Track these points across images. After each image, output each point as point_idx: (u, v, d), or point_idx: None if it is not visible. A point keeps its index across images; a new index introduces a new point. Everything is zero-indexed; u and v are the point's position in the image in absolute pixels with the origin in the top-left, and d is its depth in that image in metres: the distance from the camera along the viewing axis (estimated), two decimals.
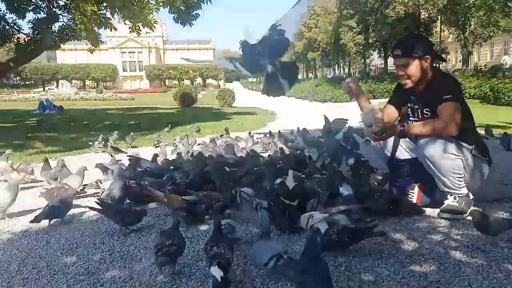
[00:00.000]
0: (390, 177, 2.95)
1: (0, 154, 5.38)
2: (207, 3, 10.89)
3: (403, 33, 20.33)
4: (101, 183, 3.44)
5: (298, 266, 1.62)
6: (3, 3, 11.15)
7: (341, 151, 4.08)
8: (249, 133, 6.35)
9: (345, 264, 1.95)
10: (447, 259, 1.98)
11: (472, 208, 2.54)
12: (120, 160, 4.79)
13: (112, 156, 4.96)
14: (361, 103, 2.90)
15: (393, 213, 2.60)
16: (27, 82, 59.93)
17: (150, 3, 10.22)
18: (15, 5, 11.19)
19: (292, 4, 2.27)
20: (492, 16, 19.97)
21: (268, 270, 1.82)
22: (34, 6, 11.73)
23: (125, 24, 10.65)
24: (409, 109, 2.82)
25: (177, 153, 4.58)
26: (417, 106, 2.74)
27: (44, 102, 18.78)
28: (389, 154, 2.90)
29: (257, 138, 6.00)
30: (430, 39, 19.49)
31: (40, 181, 3.94)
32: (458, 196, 2.56)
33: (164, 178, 3.39)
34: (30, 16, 11.81)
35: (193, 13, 11.08)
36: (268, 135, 6.15)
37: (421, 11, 24.84)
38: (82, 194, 3.43)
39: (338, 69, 54.35)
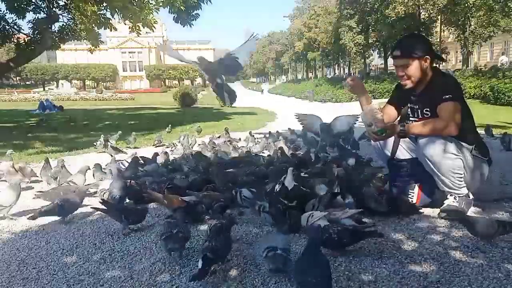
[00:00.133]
0: (390, 177, 2.95)
1: (2, 155, 5.40)
2: (207, 3, 10.89)
3: (403, 33, 20.34)
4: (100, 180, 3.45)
5: (299, 262, 1.65)
6: (3, 3, 11.16)
7: (340, 151, 4.10)
8: (250, 133, 6.36)
9: (345, 264, 1.95)
10: (447, 259, 1.98)
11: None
12: (121, 160, 4.79)
13: (112, 156, 4.96)
14: (362, 102, 2.90)
15: (393, 212, 2.61)
16: (27, 82, 59.98)
17: (150, 3, 10.23)
18: (15, 5, 11.20)
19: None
20: (492, 16, 19.95)
21: (263, 260, 1.86)
22: (34, 6, 11.74)
23: (125, 24, 10.67)
24: (409, 109, 2.82)
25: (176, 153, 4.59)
26: (417, 106, 2.74)
27: (44, 102, 18.78)
28: (389, 154, 2.90)
29: (257, 139, 6.00)
30: (429, 39, 19.56)
31: (40, 181, 3.94)
32: (458, 196, 2.57)
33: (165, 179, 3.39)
34: (30, 16, 11.84)
35: (193, 13, 11.08)
36: (267, 135, 6.16)
37: (421, 11, 24.81)
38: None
39: (338, 69, 54.36)
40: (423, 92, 2.68)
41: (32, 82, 60.42)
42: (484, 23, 20.67)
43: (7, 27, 11.92)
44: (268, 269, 1.86)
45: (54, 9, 12.02)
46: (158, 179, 3.43)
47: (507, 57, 23.71)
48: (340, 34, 32.85)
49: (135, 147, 6.12)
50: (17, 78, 59.18)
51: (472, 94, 14.95)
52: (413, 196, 2.75)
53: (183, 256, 2.06)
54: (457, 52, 33.07)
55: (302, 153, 4.51)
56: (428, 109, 2.65)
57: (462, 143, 2.53)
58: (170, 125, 8.18)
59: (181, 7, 10.04)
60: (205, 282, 1.83)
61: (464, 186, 2.57)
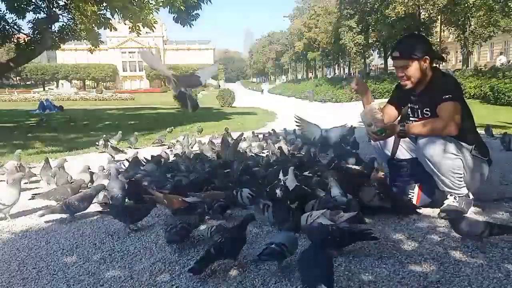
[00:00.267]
0: (390, 177, 2.95)
1: (1, 155, 5.40)
2: (207, 3, 10.89)
3: (403, 33, 20.33)
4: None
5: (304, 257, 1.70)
6: (3, 3, 11.16)
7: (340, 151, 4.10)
8: (253, 132, 6.36)
9: (345, 264, 1.95)
10: (447, 259, 1.98)
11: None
12: (121, 160, 4.79)
13: (112, 156, 4.96)
14: (364, 101, 2.90)
15: (392, 211, 2.61)
16: (27, 82, 59.94)
17: (150, 3, 10.22)
18: (15, 5, 11.20)
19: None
20: (492, 16, 19.92)
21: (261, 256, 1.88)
22: (34, 6, 11.74)
23: (125, 24, 10.66)
24: (409, 109, 2.82)
25: (175, 154, 4.59)
26: (417, 106, 2.74)
27: (44, 102, 18.80)
28: (389, 154, 2.90)
29: (259, 138, 5.99)
30: (429, 39, 19.55)
31: (38, 181, 3.95)
32: (458, 196, 2.57)
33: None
34: (30, 16, 11.84)
35: (193, 13, 11.08)
36: (267, 134, 6.15)
37: (421, 11, 24.80)
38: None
39: (338, 69, 54.33)
40: (423, 92, 2.67)
41: (32, 82, 60.38)
42: (484, 23, 20.64)
43: (7, 27, 11.92)
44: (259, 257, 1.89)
45: (54, 9, 12.03)
46: (157, 179, 3.43)
47: (505, 57, 23.66)
48: (340, 34, 32.83)
49: (135, 147, 6.12)
50: (17, 78, 59.13)
51: (472, 94, 14.94)
52: (413, 196, 2.76)
53: (182, 248, 2.12)
54: (457, 52, 33.05)
55: (301, 153, 4.51)
56: (428, 109, 2.65)
57: (462, 143, 2.53)
58: (172, 127, 8.16)
59: (181, 7, 10.04)
60: (205, 282, 1.83)
61: (464, 186, 2.57)
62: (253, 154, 4.71)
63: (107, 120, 12.58)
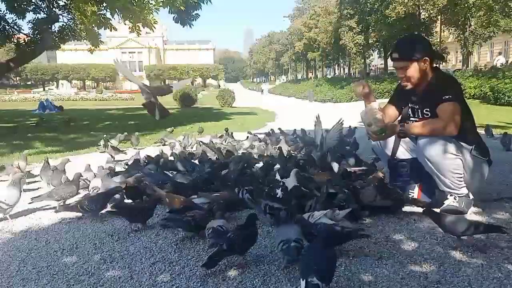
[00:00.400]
0: (390, 177, 2.95)
1: (1, 155, 5.40)
2: (207, 3, 10.88)
3: (403, 33, 20.33)
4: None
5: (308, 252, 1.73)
6: (3, 3, 11.17)
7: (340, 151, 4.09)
8: (250, 132, 6.35)
9: (345, 264, 1.95)
10: (447, 259, 1.98)
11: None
12: (123, 160, 4.80)
13: (112, 156, 4.96)
14: (365, 102, 2.89)
15: (393, 211, 2.62)
16: (27, 82, 59.93)
17: (150, 4, 10.21)
18: (15, 5, 11.20)
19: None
20: (492, 16, 19.92)
21: (279, 252, 1.90)
22: (34, 6, 11.75)
23: (125, 24, 10.65)
24: (409, 109, 2.82)
25: (173, 153, 4.59)
26: (417, 106, 2.74)
27: (44, 102, 18.80)
28: (389, 154, 2.90)
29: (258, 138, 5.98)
30: (429, 39, 19.54)
31: (36, 181, 3.95)
32: (458, 196, 2.57)
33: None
34: (30, 16, 11.84)
35: (193, 13, 11.07)
36: (265, 135, 6.14)
37: (421, 11, 24.81)
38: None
39: (338, 69, 54.33)
40: (424, 92, 2.67)
41: (32, 82, 60.38)
42: (484, 23, 20.63)
43: (7, 27, 11.93)
44: (285, 260, 1.90)
45: (54, 9, 12.04)
46: (157, 178, 3.43)
47: (504, 58, 23.67)
48: (340, 34, 32.87)
49: (135, 148, 6.12)
50: (17, 78, 59.14)
51: (472, 94, 14.93)
52: (413, 196, 2.76)
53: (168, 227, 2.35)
54: (457, 52, 33.03)
55: (300, 154, 4.50)
56: (428, 109, 2.65)
57: (462, 143, 2.53)
58: (172, 127, 8.16)
59: (181, 7, 10.03)
60: (205, 282, 1.83)
61: (464, 186, 2.57)
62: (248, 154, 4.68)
63: (107, 120, 12.58)
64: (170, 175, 3.61)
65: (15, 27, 12.01)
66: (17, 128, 9.86)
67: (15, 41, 12.39)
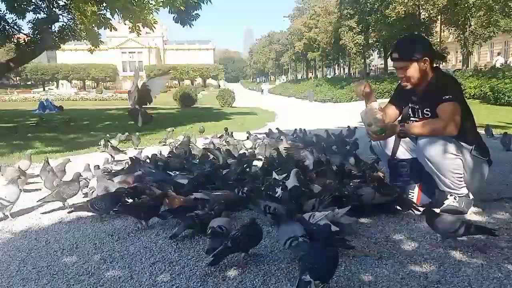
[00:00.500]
0: (390, 177, 2.95)
1: (1, 155, 5.40)
2: (207, 3, 10.88)
3: (403, 33, 20.33)
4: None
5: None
6: (3, 3, 11.17)
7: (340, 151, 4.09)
8: (249, 133, 6.35)
9: (345, 264, 1.95)
10: (447, 259, 1.99)
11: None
12: (121, 161, 4.80)
13: (112, 156, 4.96)
14: (366, 101, 2.89)
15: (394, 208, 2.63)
16: (27, 82, 59.94)
17: (150, 4, 10.21)
18: (15, 5, 11.20)
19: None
20: (492, 16, 19.92)
21: (288, 249, 1.92)
22: (34, 6, 11.76)
23: (125, 24, 10.65)
24: (409, 109, 2.82)
25: (171, 153, 4.59)
26: (417, 106, 2.74)
27: (44, 102, 18.78)
28: (389, 154, 2.90)
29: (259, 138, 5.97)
30: (429, 39, 19.53)
31: (38, 182, 3.95)
32: (458, 196, 2.57)
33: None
34: (30, 16, 11.84)
35: (193, 13, 11.08)
36: (265, 135, 6.14)
37: (421, 11, 24.81)
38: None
39: (338, 69, 54.32)
40: (424, 92, 2.67)
41: (32, 82, 60.37)
42: (484, 23, 20.62)
43: (7, 27, 11.93)
44: (296, 257, 1.92)
45: (54, 9, 12.04)
46: (157, 178, 3.43)
47: (503, 58, 23.66)
48: (340, 34, 32.85)
49: (136, 148, 6.12)
50: (17, 78, 59.15)
51: (472, 94, 14.93)
52: (413, 196, 2.76)
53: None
54: (457, 52, 33.04)
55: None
56: (428, 109, 2.65)
57: (462, 143, 2.53)
58: (173, 128, 8.15)
59: (181, 7, 10.03)
60: (205, 282, 1.83)
61: (464, 186, 2.57)
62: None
63: (107, 120, 12.58)
64: (172, 174, 3.61)
65: (15, 27, 12.02)
66: (17, 128, 9.85)
67: (15, 41, 12.40)
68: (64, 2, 11.91)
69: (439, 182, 2.58)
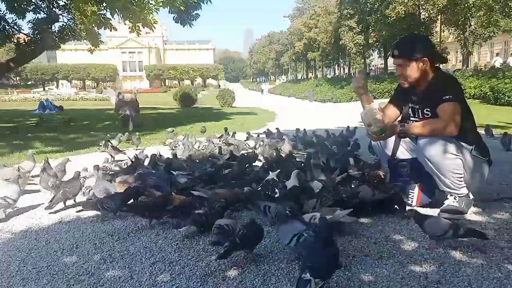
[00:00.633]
0: (390, 177, 2.95)
1: (1, 155, 5.40)
2: (207, 3, 10.88)
3: (403, 33, 20.31)
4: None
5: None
6: (3, 3, 11.16)
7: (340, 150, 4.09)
8: (247, 133, 6.35)
9: (345, 264, 1.95)
10: (447, 259, 1.99)
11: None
12: (120, 161, 4.79)
13: (112, 156, 4.96)
14: (363, 102, 2.89)
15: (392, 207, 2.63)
16: (27, 82, 59.94)
17: (150, 4, 10.20)
18: (15, 5, 11.19)
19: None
20: (492, 16, 19.92)
21: (292, 248, 1.91)
22: (34, 6, 11.74)
23: (125, 24, 10.65)
24: (409, 109, 2.82)
25: (173, 154, 4.59)
26: (418, 106, 2.74)
27: (44, 102, 18.79)
28: (389, 154, 2.90)
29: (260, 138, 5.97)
30: (430, 39, 19.49)
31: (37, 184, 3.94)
32: (458, 196, 2.57)
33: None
34: (30, 16, 11.83)
35: (193, 13, 11.07)
36: (265, 135, 6.14)
37: (421, 11, 24.81)
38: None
39: (338, 69, 54.30)
40: (424, 92, 2.67)
41: (32, 82, 60.38)
42: (484, 23, 20.62)
43: (7, 27, 11.92)
44: (296, 257, 1.93)
45: (54, 9, 12.02)
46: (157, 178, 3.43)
47: (501, 58, 23.68)
48: (340, 34, 32.85)
49: (137, 148, 6.12)
50: (17, 78, 59.14)
51: (472, 94, 14.93)
52: (413, 196, 2.76)
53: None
54: (457, 52, 33.03)
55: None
56: (428, 109, 2.65)
57: (462, 143, 2.53)
58: (173, 128, 8.15)
59: (181, 7, 10.03)
60: (205, 282, 1.83)
61: (464, 186, 2.57)
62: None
63: (107, 120, 12.58)
64: (174, 173, 3.61)
65: (15, 27, 12.00)
66: (17, 128, 9.85)
67: (15, 41, 12.37)
68: (64, 2, 11.89)
69: (439, 182, 2.58)
